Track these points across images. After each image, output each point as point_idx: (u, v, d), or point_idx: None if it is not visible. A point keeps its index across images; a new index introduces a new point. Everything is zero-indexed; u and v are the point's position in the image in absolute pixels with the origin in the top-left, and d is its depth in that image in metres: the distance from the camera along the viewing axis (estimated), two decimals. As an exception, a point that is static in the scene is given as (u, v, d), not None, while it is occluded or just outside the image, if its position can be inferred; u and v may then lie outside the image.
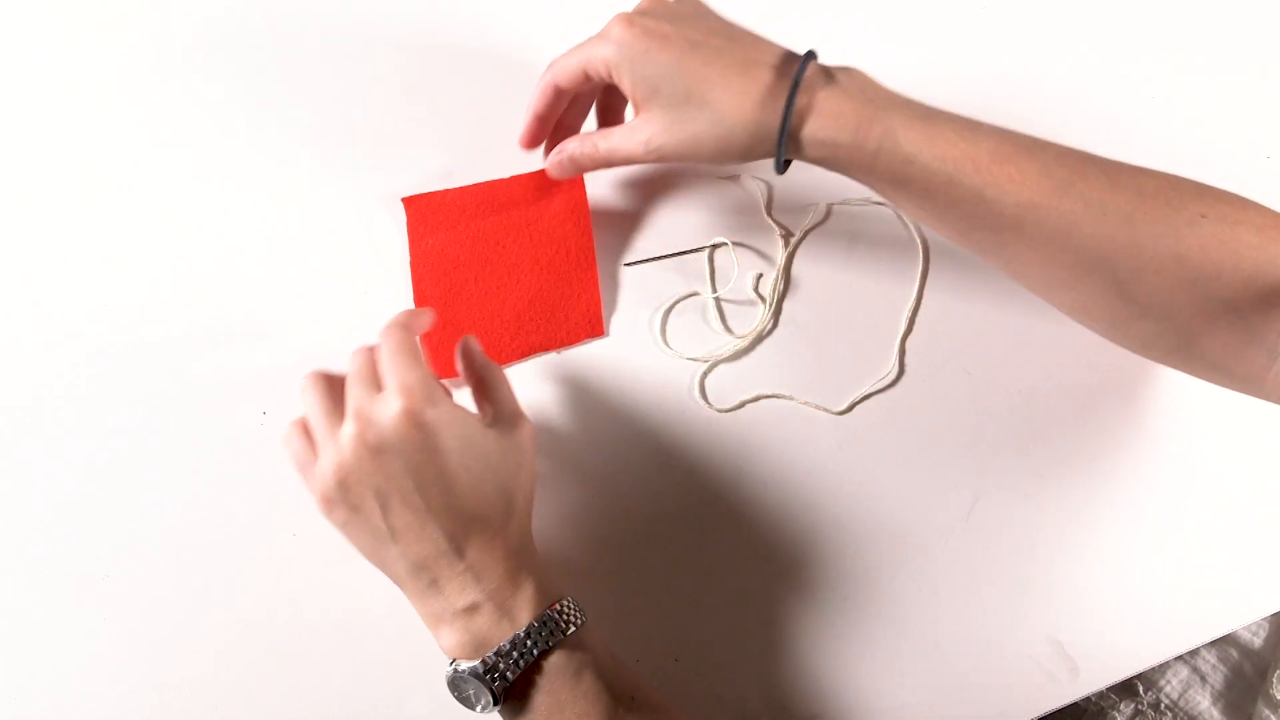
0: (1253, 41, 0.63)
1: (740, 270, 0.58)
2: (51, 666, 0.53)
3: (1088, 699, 0.64)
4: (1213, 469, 0.56)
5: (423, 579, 0.45)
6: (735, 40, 0.49)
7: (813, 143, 0.47)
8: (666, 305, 0.58)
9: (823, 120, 0.47)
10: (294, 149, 0.60)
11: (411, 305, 0.57)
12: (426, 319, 0.50)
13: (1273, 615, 0.61)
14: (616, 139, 0.51)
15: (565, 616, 0.45)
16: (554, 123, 0.56)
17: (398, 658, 0.53)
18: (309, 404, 0.47)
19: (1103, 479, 0.55)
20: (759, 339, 0.57)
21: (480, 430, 0.46)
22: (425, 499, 0.44)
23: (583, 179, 0.59)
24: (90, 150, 0.60)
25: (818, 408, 0.56)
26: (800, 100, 0.47)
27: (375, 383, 0.46)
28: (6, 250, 0.59)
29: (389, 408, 0.44)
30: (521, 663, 0.44)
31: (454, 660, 0.45)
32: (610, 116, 0.57)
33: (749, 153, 0.48)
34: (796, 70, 0.47)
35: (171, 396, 0.56)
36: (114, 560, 0.54)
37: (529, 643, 0.44)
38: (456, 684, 0.45)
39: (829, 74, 0.48)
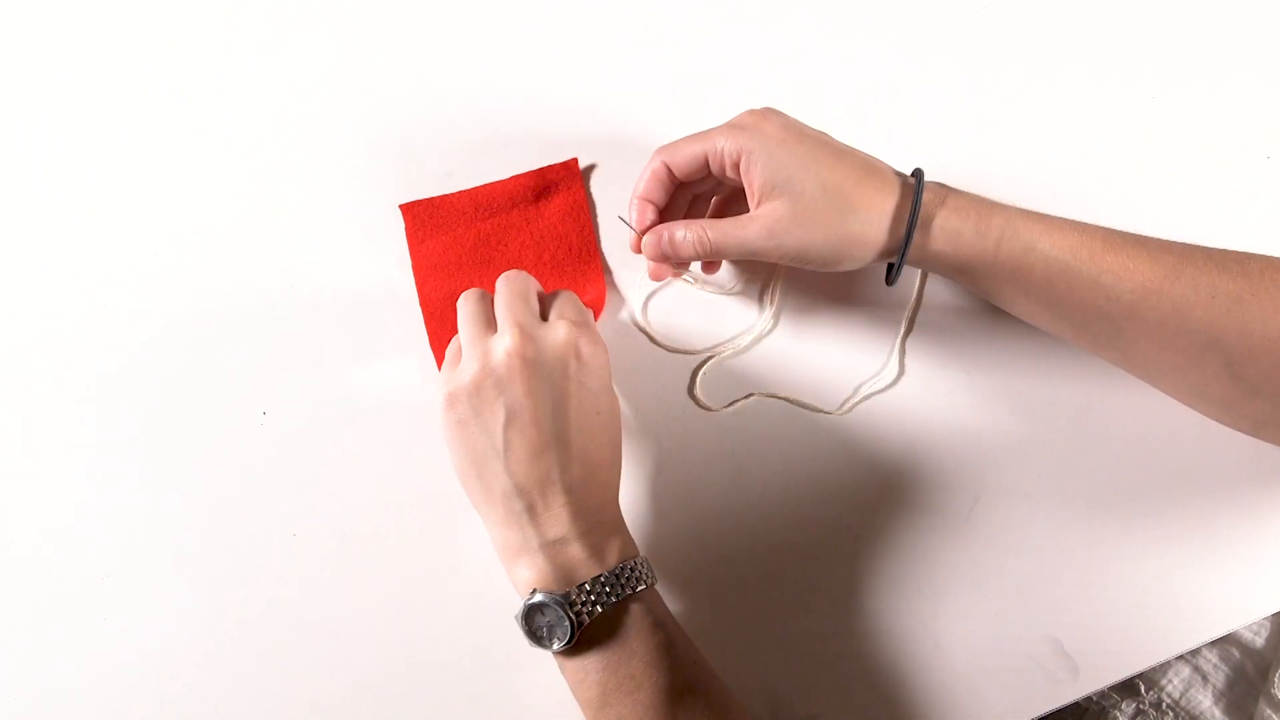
0: (1253, 42, 0.63)
1: (741, 270, 0.59)
2: (51, 666, 0.53)
3: (1089, 699, 0.64)
4: (1213, 468, 0.55)
5: (517, 504, 0.46)
6: (857, 151, 0.51)
7: (940, 232, 0.49)
8: (667, 306, 0.58)
9: (948, 213, 0.49)
10: (294, 149, 0.61)
11: (416, 307, 0.57)
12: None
13: (1274, 615, 0.61)
14: (730, 227, 0.50)
15: (645, 572, 0.46)
16: (661, 211, 0.53)
17: (398, 658, 0.53)
18: (465, 313, 0.49)
19: (1103, 479, 0.55)
20: (759, 339, 0.57)
21: (612, 385, 0.49)
22: (555, 425, 0.46)
23: (579, 174, 0.59)
24: (91, 150, 0.61)
25: (817, 408, 0.56)
26: (926, 205, 0.49)
27: (533, 309, 0.48)
28: (6, 251, 0.59)
29: (557, 332, 0.47)
30: (605, 602, 0.44)
31: (534, 590, 0.45)
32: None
33: (879, 254, 0.50)
34: (916, 175, 0.50)
35: (172, 396, 0.56)
36: (114, 560, 0.54)
37: (617, 583, 0.45)
38: (532, 614, 0.45)
39: (942, 185, 0.50)
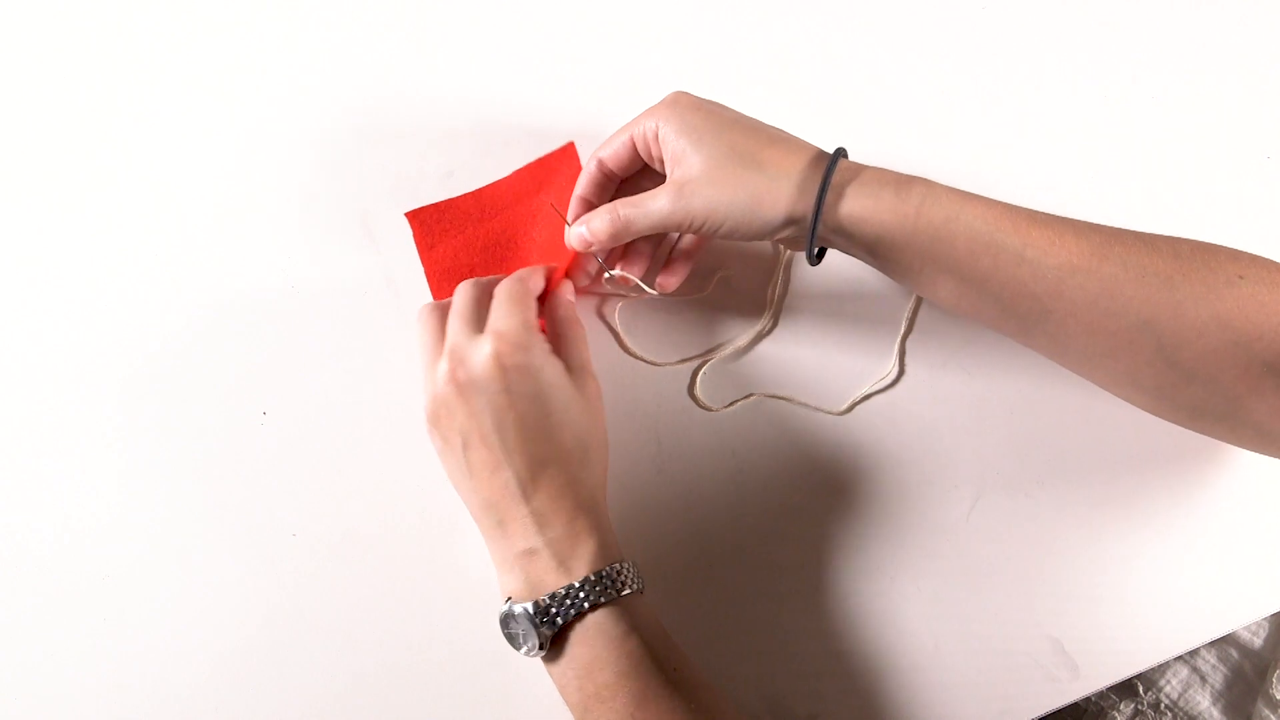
0: (1252, 41, 0.63)
1: (742, 270, 0.59)
2: (52, 666, 0.53)
3: (1088, 699, 0.64)
4: (1213, 469, 0.56)
5: (491, 518, 0.47)
6: (772, 126, 0.51)
7: (856, 196, 0.47)
8: (666, 308, 0.58)
9: (866, 179, 0.47)
10: (295, 148, 0.61)
11: (417, 307, 0.57)
12: (539, 275, 0.52)
13: (1273, 615, 0.61)
14: (640, 199, 0.50)
15: (621, 578, 0.46)
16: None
17: (398, 658, 0.53)
18: (418, 336, 0.50)
19: (1102, 478, 0.55)
20: (759, 339, 0.57)
21: (565, 380, 0.48)
22: (502, 440, 0.46)
23: (578, 159, 0.58)
24: (90, 150, 0.61)
25: (817, 408, 0.56)
26: (842, 170, 0.48)
27: (476, 320, 0.48)
28: (5, 253, 0.59)
29: (481, 350, 0.47)
30: (570, 612, 0.44)
31: (509, 599, 0.46)
32: None
33: (789, 215, 0.48)
34: (834, 150, 0.49)
35: (172, 396, 0.56)
36: (114, 560, 0.54)
37: (581, 594, 0.45)
38: (506, 621, 0.46)
39: (861, 163, 0.49)
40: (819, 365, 0.57)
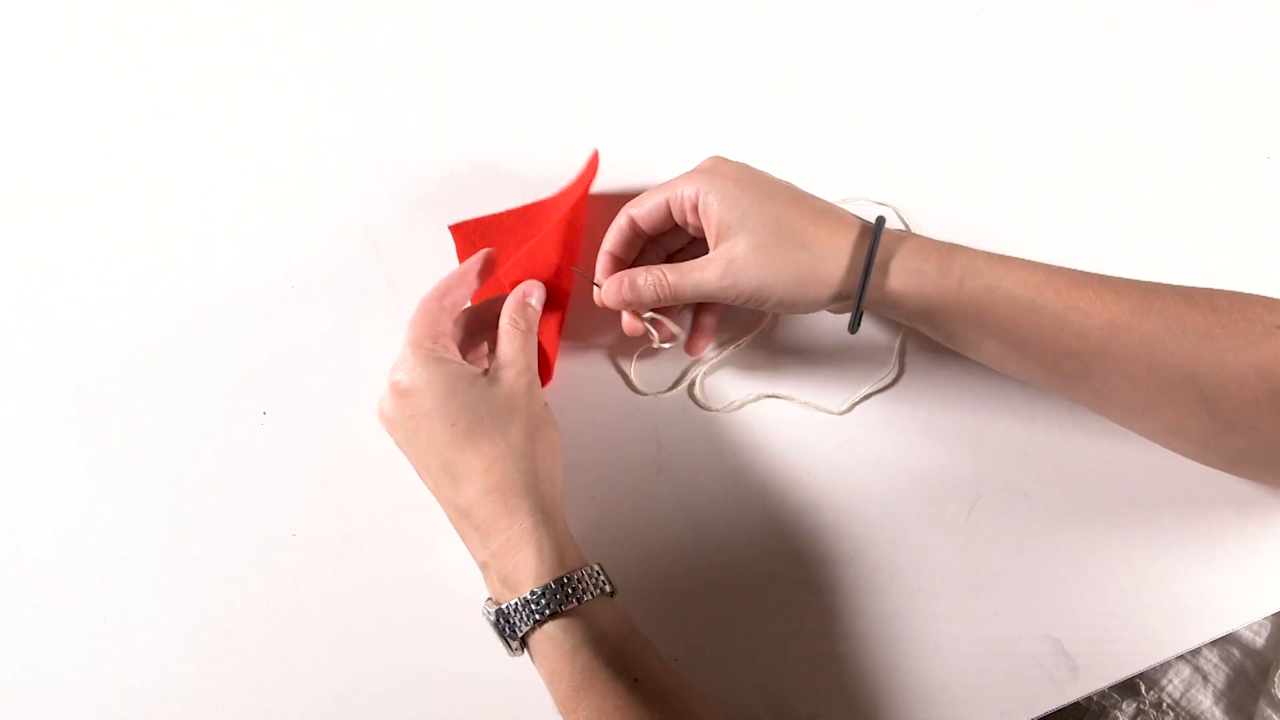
0: (1252, 41, 0.63)
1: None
2: (51, 666, 0.53)
3: (1089, 698, 0.63)
4: (1213, 469, 0.55)
5: (459, 531, 0.48)
6: (814, 196, 0.51)
7: (900, 271, 0.48)
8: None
9: (908, 252, 0.48)
10: (296, 149, 0.61)
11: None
12: (462, 284, 0.51)
13: (1275, 615, 0.61)
14: (688, 268, 0.50)
15: (572, 588, 0.45)
16: (627, 265, 0.54)
17: (397, 659, 0.53)
18: None
19: (1103, 479, 0.55)
20: (759, 337, 0.57)
21: (469, 383, 0.47)
22: (425, 462, 0.47)
23: (597, 164, 0.57)
24: (91, 150, 0.61)
25: (817, 408, 0.56)
26: (885, 244, 0.48)
27: (407, 352, 0.48)
28: (6, 253, 0.59)
29: (389, 379, 0.48)
30: (524, 625, 0.44)
31: (488, 599, 0.47)
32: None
33: (836, 294, 0.49)
34: (875, 220, 0.49)
35: (172, 396, 0.56)
36: (114, 560, 0.54)
37: (532, 607, 0.44)
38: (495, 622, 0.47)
39: (903, 230, 0.50)
40: (819, 365, 0.57)
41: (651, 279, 0.50)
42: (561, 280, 0.54)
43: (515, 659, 0.47)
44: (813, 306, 0.50)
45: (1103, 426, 0.55)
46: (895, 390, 0.57)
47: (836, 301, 0.50)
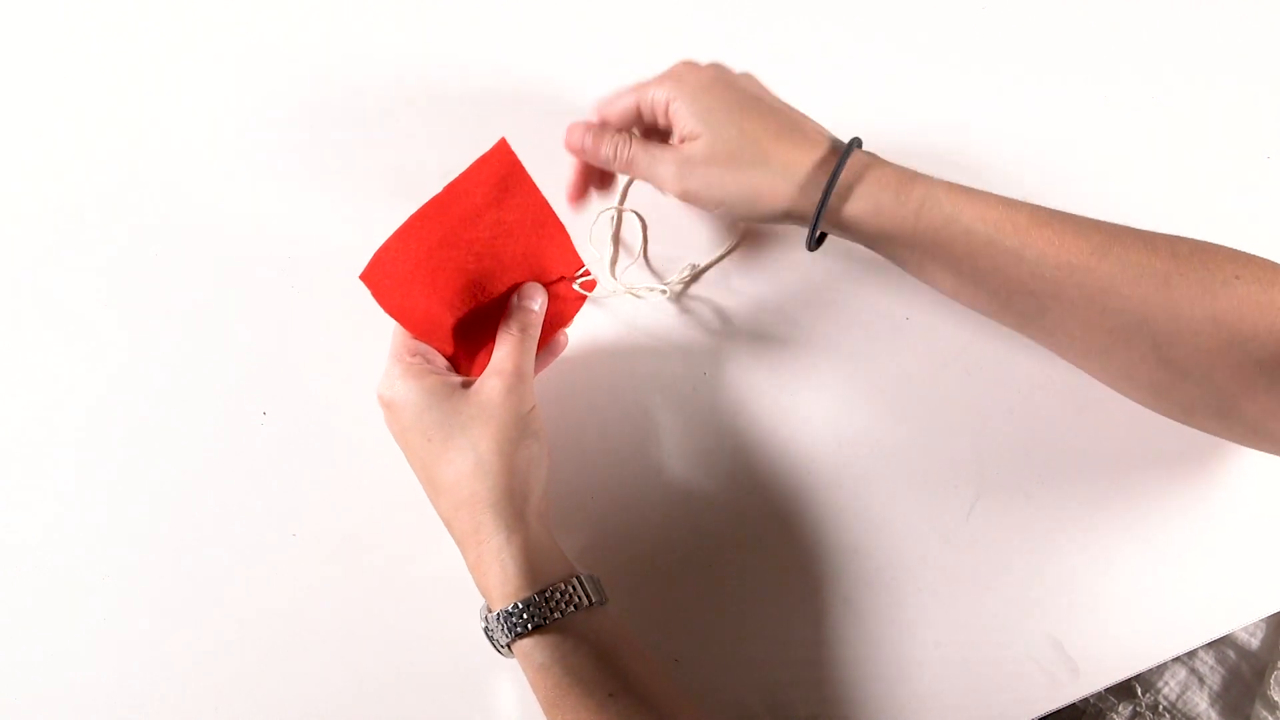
0: (1252, 41, 0.63)
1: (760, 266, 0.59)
2: (51, 666, 0.53)
3: (1086, 700, 0.64)
4: (1213, 468, 0.56)
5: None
6: (789, 109, 0.51)
7: (858, 198, 0.48)
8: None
9: (868, 183, 0.48)
10: (294, 148, 0.60)
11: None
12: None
13: (1270, 616, 0.61)
14: (652, 154, 0.50)
15: (551, 604, 0.44)
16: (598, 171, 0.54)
17: (397, 659, 0.53)
18: None
19: (1102, 479, 0.55)
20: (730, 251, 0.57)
21: (444, 395, 0.47)
22: (415, 472, 0.48)
23: (512, 155, 0.50)
24: (91, 150, 0.60)
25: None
26: (847, 168, 0.48)
27: (392, 368, 0.49)
28: (7, 249, 0.59)
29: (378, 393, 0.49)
30: (504, 638, 0.45)
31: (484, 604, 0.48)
32: None
33: (787, 212, 0.49)
34: (847, 142, 0.49)
35: (172, 396, 0.56)
36: (114, 560, 0.54)
37: (502, 625, 0.45)
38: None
39: (872, 155, 0.50)
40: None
41: (618, 139, 0.51)
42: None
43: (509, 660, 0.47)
44: (760, 220, 0.51)
45: (1103, 427, 0.55)
46: (895, 390, 0.56)
47: (789, 219, 0.50)
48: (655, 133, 0.54)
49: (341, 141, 0.60)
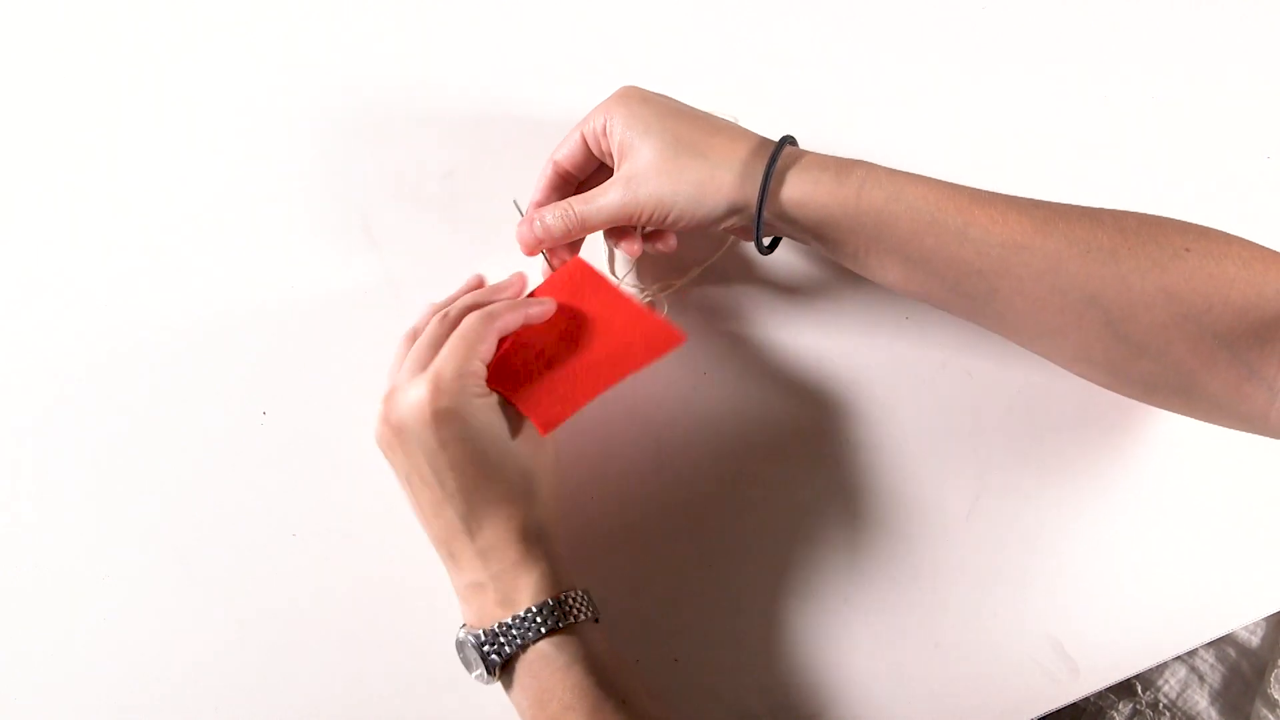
0: (1252, 41, 0.63)
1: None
2: (51, 666, 0.53)
3: (1086, 699, 0.64)
4: (1212, 469, 0.56)
5: (443, 550, 0.48)
6: (714, 116, 0.51)
7: (799, 181, 0.47)
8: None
9: (806, 166, 0.48)
10: (295, 149, 0.60)
11: (417, 306, 0.57)
12: (520, 315, 0.48)
13: (1270, 615, 0.62)
14: (592, 194, 0.50)
15: (567, 607, 0.46)
16: None
17: (397, 659, 0.53)
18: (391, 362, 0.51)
19: (1102, 478, 0.55)
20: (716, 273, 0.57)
21: (499, 419, 0.47)
22: (441, 482, 0.46)
23: (587, 269, 0.51)
24: (88, 151, 0.60)
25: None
26: (785, 156, 0.48)
27: (428, 360, 0.47)
28: (6, 251, 0.59)
29: (413, 395, 0.45)
30: (516, 643, 0.45)
31: (464, 625, 0.47)
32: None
33: (731, 203, 0.48)
34: (780, 138, 0.49)
35: (172, 397, 0.56)
36: (114, 560, 0.54)
37: (524, 626, 0.45)
38: (460, 648, 0.47)
39: (806, 150, 0.49)
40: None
41: (558, 211, 0.50)
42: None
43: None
44: (710, 218, 0.49)
45: (1103, 427, 0.55)
46: (895, 390, 0.56)
47: (734, 214, 0.49)
48: (602, 171, 0.54)
49: (343, 147, 0.60)
